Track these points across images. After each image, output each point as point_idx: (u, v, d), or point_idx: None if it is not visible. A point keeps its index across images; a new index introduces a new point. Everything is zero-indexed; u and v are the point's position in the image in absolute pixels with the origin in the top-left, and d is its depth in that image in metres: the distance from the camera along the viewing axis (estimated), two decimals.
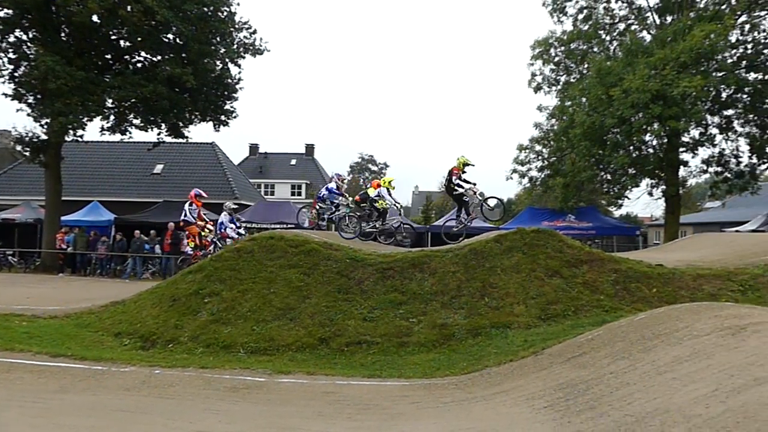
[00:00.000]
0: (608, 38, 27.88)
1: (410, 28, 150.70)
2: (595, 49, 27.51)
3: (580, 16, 27.70)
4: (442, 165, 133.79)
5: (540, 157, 28.67)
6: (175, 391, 7.51)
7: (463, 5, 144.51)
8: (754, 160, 25.00)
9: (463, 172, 13.49)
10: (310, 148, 60.99)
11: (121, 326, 10.86)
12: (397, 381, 8.06)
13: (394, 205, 14.37)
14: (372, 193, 14.11)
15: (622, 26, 27.80)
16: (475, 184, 13.42)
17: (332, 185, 14.88)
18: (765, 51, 23.68)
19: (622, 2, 27.40)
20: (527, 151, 28.49)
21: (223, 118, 26.83)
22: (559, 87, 29.06)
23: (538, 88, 29.34)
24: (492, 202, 13.35)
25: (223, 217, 15.74)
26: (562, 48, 28.07)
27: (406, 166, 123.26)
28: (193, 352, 9.62)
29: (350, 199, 14.81)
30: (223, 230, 15.44)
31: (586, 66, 27.46)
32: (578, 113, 24.30)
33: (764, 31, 23.76)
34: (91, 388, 7.60)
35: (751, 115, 24.29)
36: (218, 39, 25.21)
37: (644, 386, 5.36)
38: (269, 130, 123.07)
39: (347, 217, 14.41)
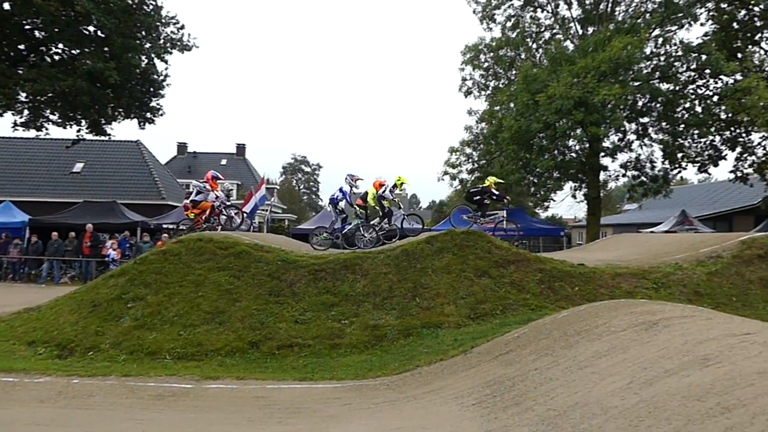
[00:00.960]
0: (535, 46, 28.92)
1: (344, 30, 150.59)
2: (523, 56, 28.45)
3: (509, 24, 28.63)
4: (375, 166, 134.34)
5: (470, 160, 29.37)
6: (95, 401, 7.17)
7: (397, 9, 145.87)
8: (667, 166, 26.64)
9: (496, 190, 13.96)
10: (241, 148, 59.66)
11: (36, 334, 10.24)
12: (329, 383, 8.04)
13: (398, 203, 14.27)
14: (373, 192, 13.75)
15: (547, 35, 28.93)
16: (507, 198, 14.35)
17: (346, 187, 13.81)
18: (676, 63, 25.25)
19: (548, 12, 28.53)
20: (458, 153, 29.13)
21: (148, 115, 25.82)
22: (488, 92, 29.90)
23: (468, 93, 30.07)
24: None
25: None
26: (492, 54, 28.89)
27: (340, 167, 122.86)
28: (115, 359, 9.22)
29: (357, 208, 14.04)
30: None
31: (513, 72, 28.38)
32: (506, 118, 25.06)
33: (675, 44, 25.34)
34: (0, 402, 7.13)
35: (664, 123, 25.84)
36: (143, 33, 24.22)
37: (566, 381, 5.58)
38: (198, 129, 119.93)
39: (362, 228, 13.74)
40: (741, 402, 3.71)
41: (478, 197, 13.93)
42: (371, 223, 13.80)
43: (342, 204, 13.65)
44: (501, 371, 6.84)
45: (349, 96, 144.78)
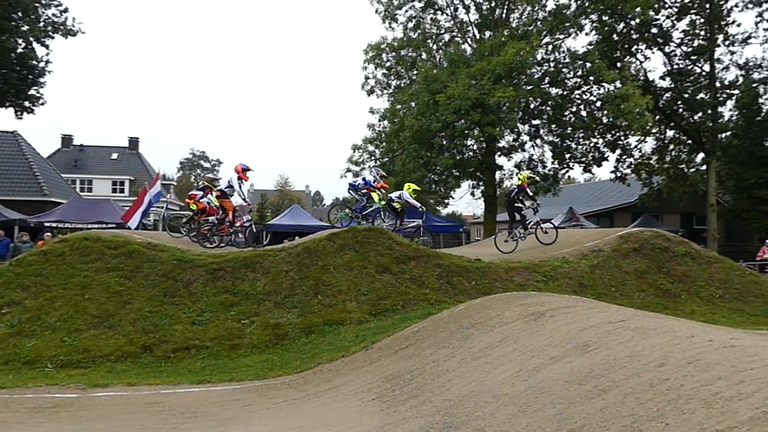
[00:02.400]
0: (435, 47, 29.70)
1: (246, 23, 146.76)
2: (424, 57, 29.13)
3: (410, 25, 29.21)
4: (277, 163, 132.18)
5: (373, 157, 29.70)
6: None
7: (301, 4, 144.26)
8: (556, 165, 28.38)
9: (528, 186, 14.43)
10: (134, 142, 56.37)
11: None
12: (228, 385, 7.83)
13: (419, 208, 14.65)
14: (396, 193, 14.46)
15: (447, 37, 29.82)
16: (537, 203, 14.39)
17: (370, 177, 14.35)
18: (564, 70, 26.92)
19: (447, 15, 29.40)
20: (361, 151, 29.36)
21: (27, 104, 23.84)
22: (390, 91, 30.34)
23: (371, 91, 30.36)
24: (547, 226, 14.09)
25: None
26: (394, 54, 29.34)
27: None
28: None
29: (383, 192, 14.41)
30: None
31: (415, 72, 28.98)
32: (408, 117, 25.57)
33: (563, 52, 27.02)
34: None
35: (554, 126, 27.50)
36: (20, 14, 22.29)
37: (461, 372, 5.81)
38: (86, 120, 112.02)
39: (383, 212, 14.19)
40: (615, 383, 4.03)
41: (516, 204, 14.04)
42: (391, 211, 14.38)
43: (376, 196, 14.13)
44: (400, 365, 6.98)
45: (251, 91, 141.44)
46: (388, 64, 29.76)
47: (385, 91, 30.53)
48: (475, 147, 27.95)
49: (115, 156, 54.48)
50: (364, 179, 14.44)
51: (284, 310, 10.20)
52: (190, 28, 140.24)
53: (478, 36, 28.79)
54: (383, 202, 14.19)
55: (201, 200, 13.55)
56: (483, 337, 6.49)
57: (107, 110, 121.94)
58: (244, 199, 13.87)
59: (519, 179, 14.34)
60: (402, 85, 29.88)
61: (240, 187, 13.05)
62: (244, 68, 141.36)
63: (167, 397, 7.25)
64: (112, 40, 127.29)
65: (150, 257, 10.89)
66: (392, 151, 28.71)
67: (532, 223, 14.16)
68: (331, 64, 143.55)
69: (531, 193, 14.41)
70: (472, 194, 29.51)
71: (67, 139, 54.47)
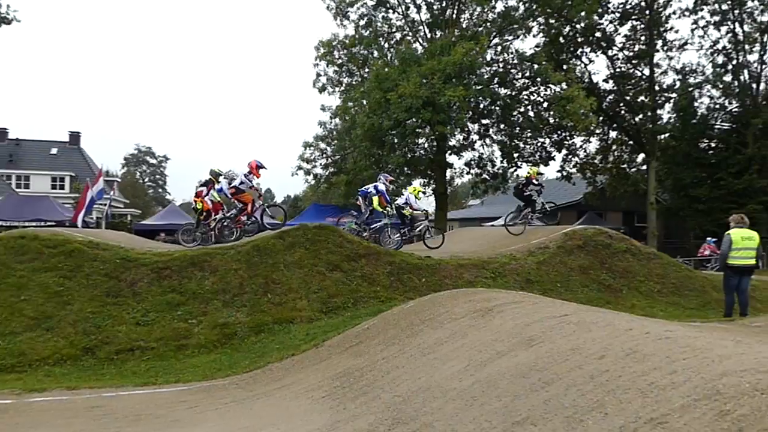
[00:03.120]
0: (387, 45, 29.83)
1: (195, 15, 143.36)
2: (375, 55, 29.21)
3: (362, 23, 29.24)
4: (227, 159, 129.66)
5: (324, 155, 29.60)
6: None
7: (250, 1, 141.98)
8: (505, 164, 28.98)
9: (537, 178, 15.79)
10: (75, 137, 54.17)
11: None
12: (174, 387, 7.64)
13: (423, 211, 14.79)
14: (400, 201, 14.38)
15: (398, 35, 30.00)
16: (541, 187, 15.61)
17: (382, 187, 13.92)
18: (512, 71, 27.52)
19: (399, 14, 29.55)
20: (312, 148, 29.22)
21: None
22: (342, 88, 30.29)
23: (322, 89, 30.24)
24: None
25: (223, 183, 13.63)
26: (345, 51, 29.30)
27: (189, 160, 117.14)
28: None
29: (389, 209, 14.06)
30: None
31: (366, 70, 29.02)
32: (359, 115, 25.60)
33: (512, 53, 27.61)
34: None
35: (502, 125, 28.07)
36: None
37: (411, 368, 5.85)
38: (22, 113, 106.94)
39: (389, 228, 13.91)
40: (558, 376, 4.16)
41: (526, 193, 15.34)
42: (399, 226, 14.31)
43: (376, 200, 13.69)
44: (351, 362, 6.98)
45: (199, 85, 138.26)
46: (339, 61, 29.71)
47: (337, 89, 30.49)
48: (426, 145, 28.24)
49: (54, 151, 52.24)
50: (375, 187, 13.99)
51: (233, 309, 10.04)
52: (133, 19, 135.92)
53: (429, 35, 29.07)
54: (389, 212, 14.04)
55: (205, 199, 13.44)
56: (432, 333, 6.56)
57: (45, 103, 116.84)
58: (259, 195, 13.73)
59: (528, 173, 15.82)
60: (354, 82, 29.88)
61: (252, 182, 13.19)
62: (193, 62, 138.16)
63: (110, 400, 7.02)
64: (50, 30, 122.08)
65: (92, 256, 10.51)
66: (344, 149, 28.71)
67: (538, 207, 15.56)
68: (282, 60, 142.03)
69: (536, 183, 15.70)
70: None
71: (1, 133, 51.88)
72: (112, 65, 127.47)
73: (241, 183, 13.02)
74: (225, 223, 13.33)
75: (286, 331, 9.59)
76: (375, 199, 13.69)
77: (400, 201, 14.54)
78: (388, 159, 25.84)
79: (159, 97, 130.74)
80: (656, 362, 3.76)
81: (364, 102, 26.40)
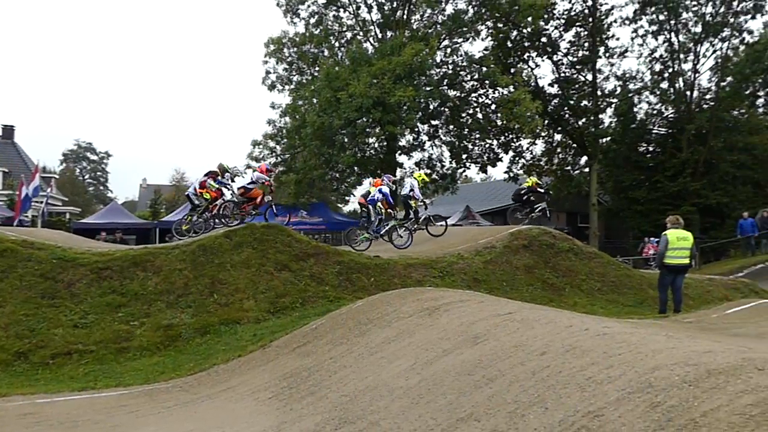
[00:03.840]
0: (337, 44, 29.75)
1: (139, 8, 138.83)
2: (326, 53, 29.08)
3: (312, 20, 29.06)
4: (172, 157, 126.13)
5: (273, 154, 29.24)
6: None
7: None
8: (454, 165, 29.39)
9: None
10: (8, 130, 51.39)
11: None
12: (114, 391, 7.39)
13: (423, 201, 14.83)
14: (374, 190, 13.99)
15: (349, 35, 29.96)
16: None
17: (385, 189, 13.93)
18: (461, 73, 27.94)
19: (350, 13, 29.51)
20: (261, 146, 28.83)
21: None
22: (292, 86, 30.01)
23: (272, 86, 29.89)
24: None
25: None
26: (295, 49, 29.05)
27: (132, 157, 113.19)
28: None
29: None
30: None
31: (317, 69, 28.86)
32: (309, 113, 25.43)
33: (461, 55, 28.04)
34: None
35: (452, 126, 28.46)
36: None
37: (358, 367, 5.86)
38: None
39: (398, 228, 14.23)
40: (501, 372, 4.25)
41: (525, 195, 16.38)
42: (404, 222, 14.44)
43: (380, 205, 13.64)
44: (298, 363, 6.93)
45: (144, 80, 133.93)
46: (289, 59, 29.44)
47: (287, 87, 30.20)
48: (376, 145, 28.33)
49: None
50: (380, 190, 13.86)
51: (177, 310, 9.79)
52: (73, 5, 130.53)
53: (380, 35, 29.17)
54: (396, 221, 14.32)
55: (210, 187, 13.92)
56: (380, 333, 6.59)
57: None
58: (271, 190, 14.15)
59: (528, 182, 16.97)
60: (304, 81, 29.66)
61: (263, 179, 13.59)
62: (137, 56, 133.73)
63: (44, 406, 6.72)
64: None
65: (25, 256, 10.03)
66: (293, 148, 28.43)
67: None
68: (231, 56, 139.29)
69: (542, 191, 16.88)
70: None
71: None
72: (51, 55, 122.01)
73: (251, 183, 13.62)
74: (229, 206, 13.68)
75: (233, 332, 9.43)
76: (380, 204, 13.65)
77: (405, 190, 14.83)
78: (338, 158, 25.76)
79: (101, 92, 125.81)
80: (594, 357, 3.89)
81: (314, 101, 26.24)
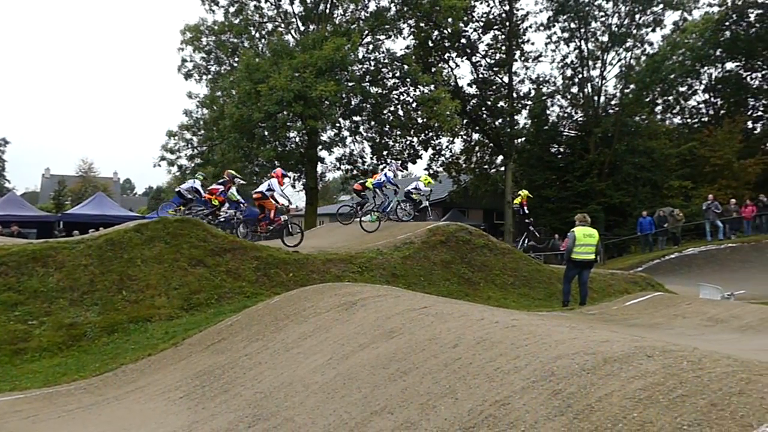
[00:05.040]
0: (258, 35, 29.13)
1: None
2: (246, 44, 28.39)
3: (232, 9, 28.27)
4: (80, 146, 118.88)
5: (190, 146, 28.26)
6: None
7: None
8: (375, 161, 29.59)
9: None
10: None
11: None
12: (8, 395, 6.89)
13: (425, 195, 16.33)
14: (371, 181, 15.93)
15: (270, 26, 29.39)
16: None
17: (390, 174, 15.78)
18: (383, 70, 28.13)
19: (271, 3, 28.95)
20: (176, 138, 27.77)
21: None
22: (210, 76, 29.10)
23: (188, 75, 28.88)
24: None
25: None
26: (214, 38, 28.18)
27: (34, 146, 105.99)
28: None
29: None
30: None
31: (236, 59, 28.12)
32: (228, 105, 24.76)
33: (383, 52, 28.22)
34: None
35: (373, 123, 28.62)
36: None
37: (274, 363, 5.79)
38: None
39: (401, 203, 15.96)
40: (415, 365, 4.34)
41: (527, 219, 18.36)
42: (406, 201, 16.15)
43: (389, 187, 15.65)
44: (212, 360, 6.75)
45: (48, 64, 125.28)
46: (207, 48, 28.52)
47: (205, 77, 29.24)
48: (297, 139, 28.00)
49: None
50: (385, 175, 15.69)
51: (82, 308, 9.25)
52: None
53: (302, 28, 28.82)
54: (399, 198, 15.94)
55: (221, 195, 14.96)
56: (297, 328, 6.54)
57: None
58: (288, 201, 14.37)
59: (520, 194, 18.55)
60: (222, 71, 28.84)
61: (281, 189, 13.87)
62: (42, 38, 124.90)
63: None
64: None
65: None
66: (211, 140, 27.58)
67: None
68: (145, 41, 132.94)
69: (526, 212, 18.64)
70: (294, 186, 29.58)
71: None
72: None
73: (268, 189, 13.59)
74: (238, 222, 14.58)
75: (143, 330, 9.03)
76: (388, 186, 15.72)
77: (410, 187, 16.37)
78: (258, 152, 25.26)
79: None
80: (503, 349, 4.06)
81: (234, 92, 25.55)
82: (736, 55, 32.40)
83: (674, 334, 7.70)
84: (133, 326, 9.14)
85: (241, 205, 15.18)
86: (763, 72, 33.07)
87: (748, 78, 33.65)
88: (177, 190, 16.58)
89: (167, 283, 10.11)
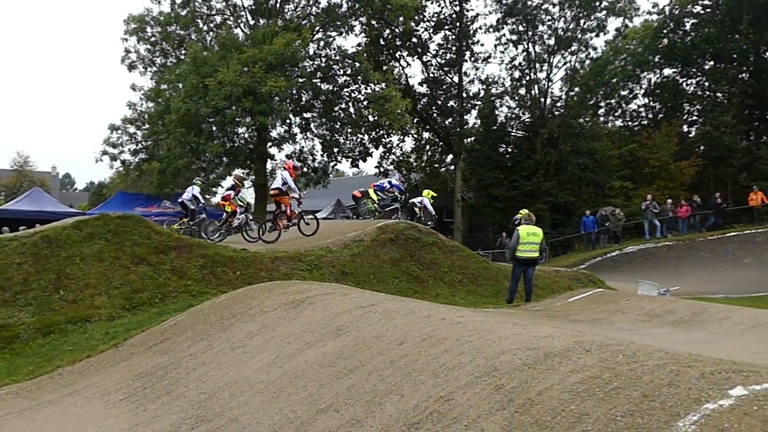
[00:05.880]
0: (206, 28, 28.47)
1: None
2: (193, 37, 27.71)
3: (179, 0, 27.46)
4: (14, 139, 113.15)
5: (134, 140, 27.37)
6: None
7: None
8: (326, 159, 29.45)
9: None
10: None
11: None
12: None
13: (434, 216, 17.83)
14: (418, 200, 17.70)
15: (219, 19, 28.76)
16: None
17: (396, 182, 17.39)
18: (334, 67, 27.99)
19: None
20: (119, 132, 26.84)
21: None
22: (155, 69, 28.26)
23: (132, 66, 27.96)
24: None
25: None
26: (160, 29, 27.36)
27: None
28: None
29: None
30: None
31: (183, 52, 27.40)
32: (174, 99, 24.10)
33: (334, 49, 28.08)
34: None
35: (324, 120, 28.44)
36: None
37: (219, 363, 5.68)
38: None
39: (401, 210, 17.00)
40: (362, 363, 4.34)
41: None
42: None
43: (393, 191, 16.79)
44: (154, 361, 6.57)
45: None
46: (153, 39, 27.64)
47: (150, 69, 28.35)
48: (246, 135, 27.54)
49: None
50: (389, 182, 17.15)
51: (15, 309, 8.83)
52: None
53: (252, 22, 28.33)
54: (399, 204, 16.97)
55: (233, 201, 15.09)
56: (243, 327, 6.44)
57: None
58: (299, 194, 14.36)
59: (520, 213, 18.21)
60: (169, 63, 28.05)
61: (293, 183, 13.99)
62: None
63: None
64: None
65: None
66: (157, 134, 26.79)
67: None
68: (86, 31, 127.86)
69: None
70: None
71: None
72: None
73: (284, 184, 13.57)
74: (249, 219, 15.16)
75: (82, 331, 8.69)
76: (391, 190, 16.83)
77: (415, 200, 17.67)
78: (205, 147, 24.65)
79: None
80: (448, 345, 4.11)
81: (180, 86, 24.88)
82: (673, 61, 33.84)
83: (613, 329, 7.99)
84: (71, 327, 8.79)
85: (250, 206, 15.88)
86: (698, 79, 34.68)
87: (684, 84, 35.21)
88: (180, 201, 16.72)
89: (108, 282, 9.76)
